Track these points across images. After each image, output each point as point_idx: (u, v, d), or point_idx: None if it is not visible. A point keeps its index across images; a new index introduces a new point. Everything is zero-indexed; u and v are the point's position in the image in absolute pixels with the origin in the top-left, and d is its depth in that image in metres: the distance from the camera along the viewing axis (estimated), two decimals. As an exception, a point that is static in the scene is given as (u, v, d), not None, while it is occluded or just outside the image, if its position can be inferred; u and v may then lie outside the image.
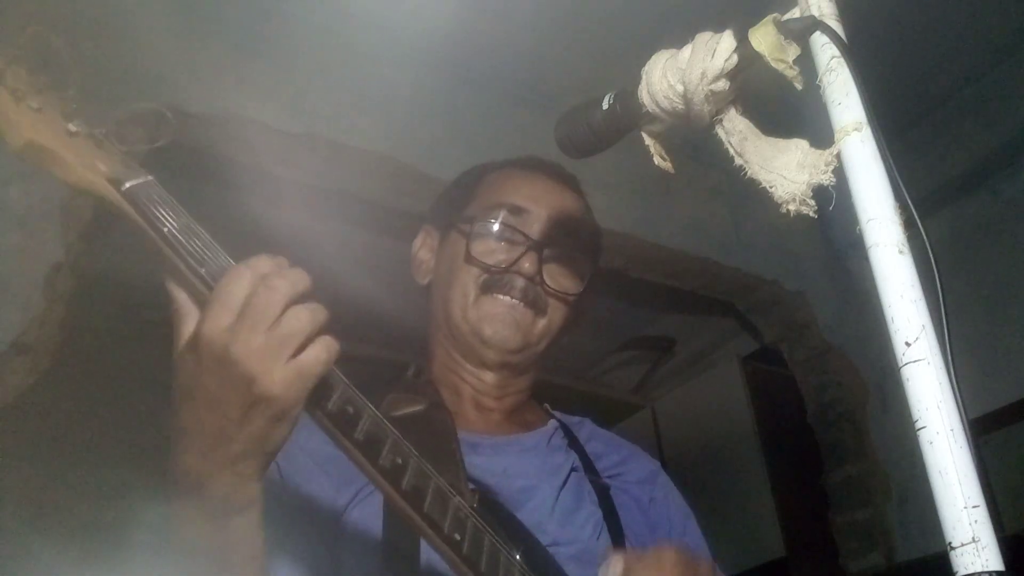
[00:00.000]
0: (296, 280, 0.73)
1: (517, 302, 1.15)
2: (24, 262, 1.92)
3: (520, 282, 1.15)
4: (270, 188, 2.43)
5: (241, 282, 0.71)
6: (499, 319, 1.14)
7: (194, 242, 0.74)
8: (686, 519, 1.23)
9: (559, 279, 1.18)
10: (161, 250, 0.74)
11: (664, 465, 1.28)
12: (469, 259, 1.16)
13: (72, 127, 0.75)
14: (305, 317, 0.71)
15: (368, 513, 0.98)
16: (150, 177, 0.76)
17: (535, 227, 1.18)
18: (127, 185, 0.74)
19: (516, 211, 1.18)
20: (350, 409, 0.75)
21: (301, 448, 0.97)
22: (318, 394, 0.73)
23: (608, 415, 4.07)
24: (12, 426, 1.99)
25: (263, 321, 0.70)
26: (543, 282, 1.16)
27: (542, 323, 1.17)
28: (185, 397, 0.73)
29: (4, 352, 1.87)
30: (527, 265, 1.15)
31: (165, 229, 0.73)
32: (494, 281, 1.15)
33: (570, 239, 1.20)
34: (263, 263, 0.73)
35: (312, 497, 1.00)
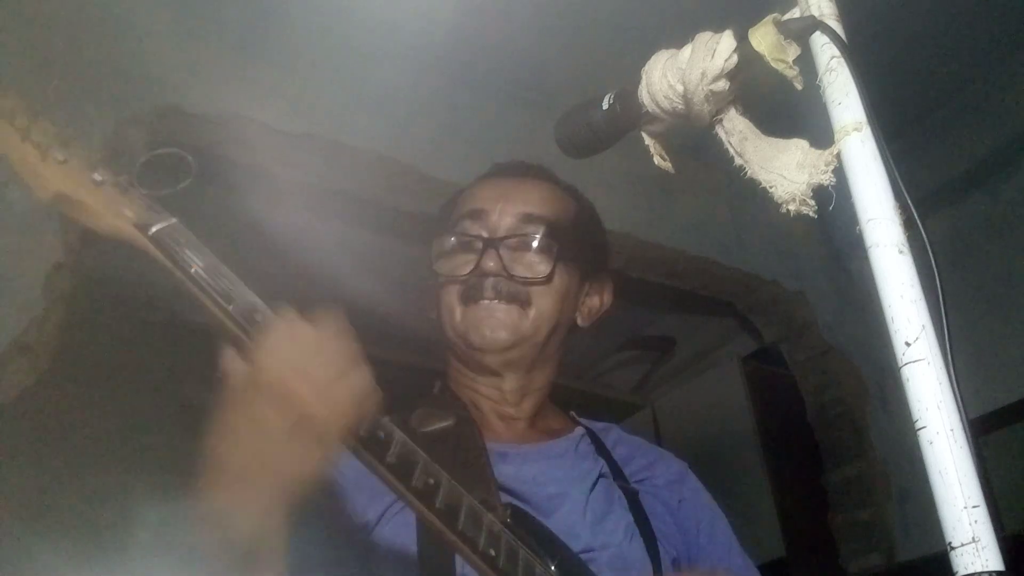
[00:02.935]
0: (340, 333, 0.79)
1: (494, 301, 1.15)
2: (24, 262, 1.92)
3: (489, 281, 1.15)
4: (270, 188, 2.43)
5: (294, 325, 0.78)
6: (483, 323, 1.14)
7: (220, 280, 0.78)
8: (714, 519, 1.23)
9: (526, 266, 1.17)
10: (189, 289, 0.78)
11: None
12: (441, 277, 1.19)
13: (97, 176, 0.79)
14: (349, 353, 0.78)
15: (400, 529, 0.99)
16: (174, 220, 0.80)
17: (493, 224, 1.18)
18: (153, 229, 0.78)
19: (475, 215, 1.20)
20: (381, 434, 0.79)
21: (333, 467, 0.99)
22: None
23: (608, 415, 4.06)
24: (12, 426, 1.99)
25: (314, 354, 0.76)
26: (512, 275, 1.15)
27: (531, 313, 1.16)
28: (228, 422, 0.77)
29: (4, 352, 1.87)
30: (491, 264, 1.15)
31: (192, 269, 0.77)
32: (469, 289, 1.16)
33: (531, 224, 1.19)
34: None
35: (345, 514, 1.02)
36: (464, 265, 1.17)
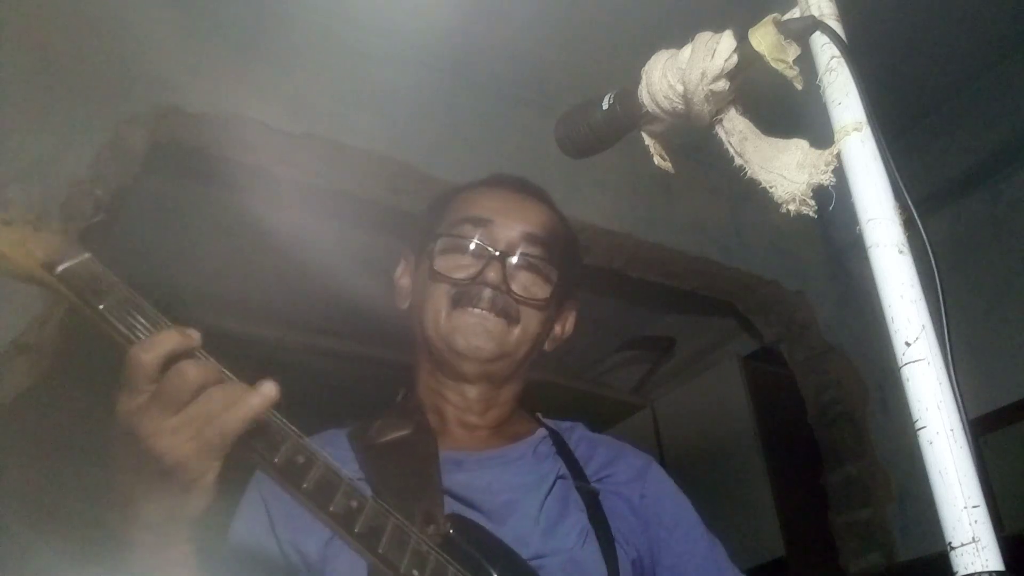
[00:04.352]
0: (207, 367, 0.77)
1: (487, 312, 1.15)
2: (24, 262, 1.92)
3: (487, 292, 1.15)
4: (270, 188, 2.43)
5: (151, 366, 0.75)
6: (471, 330, 1.14)
7: (131, 315, 0.78)
8: (678, 510, 1.22)
9: (527, 286, 1.18)
10: (99, 326, 0.77)
11: (664, 465, 1.28)
12: (435, 275, 1.18)
13: (6, 217, 0.78)
14: (216, 398, 0.76)
15: (352, 555, 0.99)
16: (87, 255, 0.79)
17: (499, 237, 1.18)
18: (60, 268, 0.78)
19: (480, 223, 1.19)
20: (300, 459, 0.78)
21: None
22: (263, 451, 0.77)
23: (608, 415, 4.07)
24: (12, 426, 1.99)
25: (172, 404, 0.75)
26: (510, 291, 1.16)
27: (516, 331, 1.17)
28: (114, 459, 0.78)
29: (4, 352, 1.87)
30: (492, 275, 1.15)
31: (101, 306, 0.77)
32: (463, 294, 1.16)
33: (536, 246, 1.20)
34: (173, 339, 0.77)
35: (299, 535, 1.02)
36: (463, 269, 1.17)
